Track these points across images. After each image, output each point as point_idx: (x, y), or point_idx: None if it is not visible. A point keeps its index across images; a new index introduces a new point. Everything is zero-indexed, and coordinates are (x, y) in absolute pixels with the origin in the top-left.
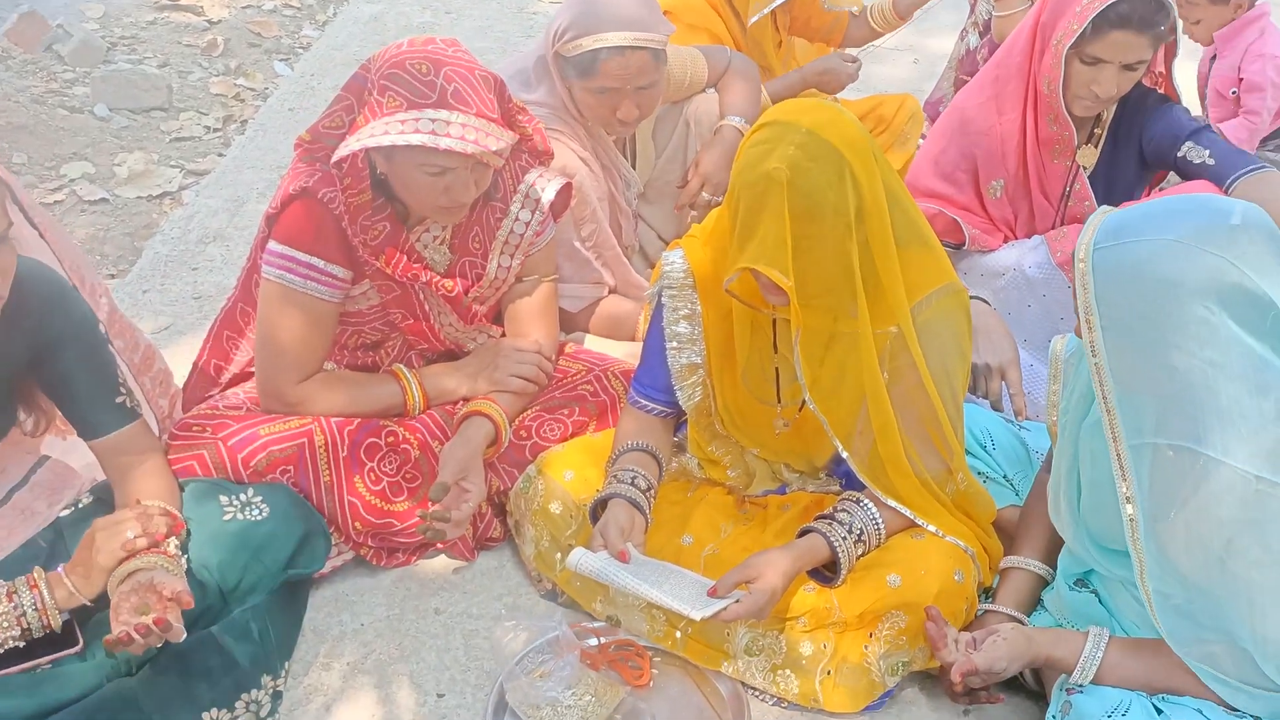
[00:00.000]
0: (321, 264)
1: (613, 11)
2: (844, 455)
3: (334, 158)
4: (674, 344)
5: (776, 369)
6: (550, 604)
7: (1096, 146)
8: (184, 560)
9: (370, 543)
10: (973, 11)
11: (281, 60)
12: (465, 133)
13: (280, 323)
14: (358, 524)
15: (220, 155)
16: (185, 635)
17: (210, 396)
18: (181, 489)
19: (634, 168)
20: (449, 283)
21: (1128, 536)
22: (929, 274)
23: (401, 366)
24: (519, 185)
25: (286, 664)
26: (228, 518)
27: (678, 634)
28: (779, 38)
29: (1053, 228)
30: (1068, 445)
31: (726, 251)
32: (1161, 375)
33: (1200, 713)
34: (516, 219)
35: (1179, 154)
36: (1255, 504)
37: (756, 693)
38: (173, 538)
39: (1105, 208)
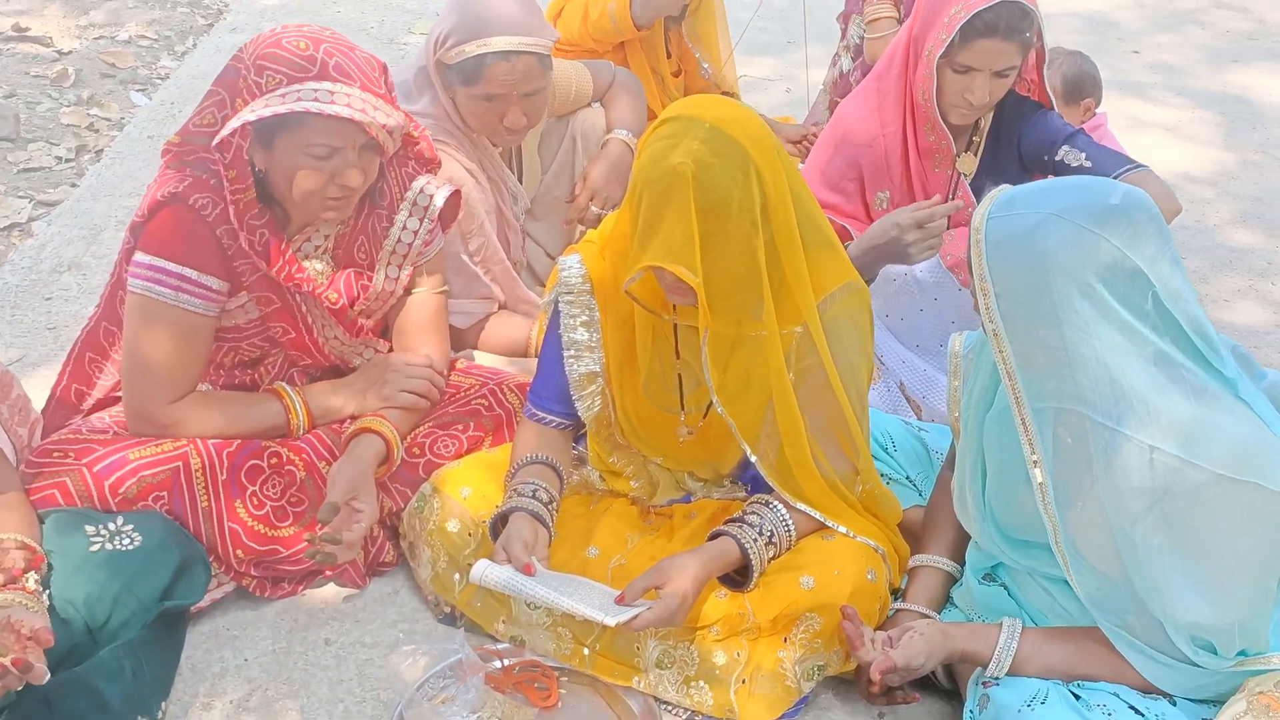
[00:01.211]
0: (194, 274)
1: (496, 16)
2: (752, 459)
3: (215, 140)
4: (572, 351)
5: (679, 375)
6: (450, 629)
7: (976, 154)
8: (45, 596)
9: (253, 572)
10: (844, 35)
11: (138, 90)
12: (352, 101)
13: (149, 339)
14: (239, 552)
15: (73, 185)
16: (49, 677)
17: (72, 423)
18: (42, 520)
19: (520, 183)
20: (333, 294)
21: (1038, 501)
22: (833, 272)
23: (284, 385)
24: (406, 192)
25: (164, 704)
26: (95, 548)
27: (585, 651)
28: (674, 67)
29: None
30: (971, 440)
31: (625, 255)
32: (1053, 344)
33: (1117, 696)
34: (404, 227)
35: (1056, 157)
36: (1153, 476)
37: (670, 707)
38: (31, 572)
39: (1004, 186)
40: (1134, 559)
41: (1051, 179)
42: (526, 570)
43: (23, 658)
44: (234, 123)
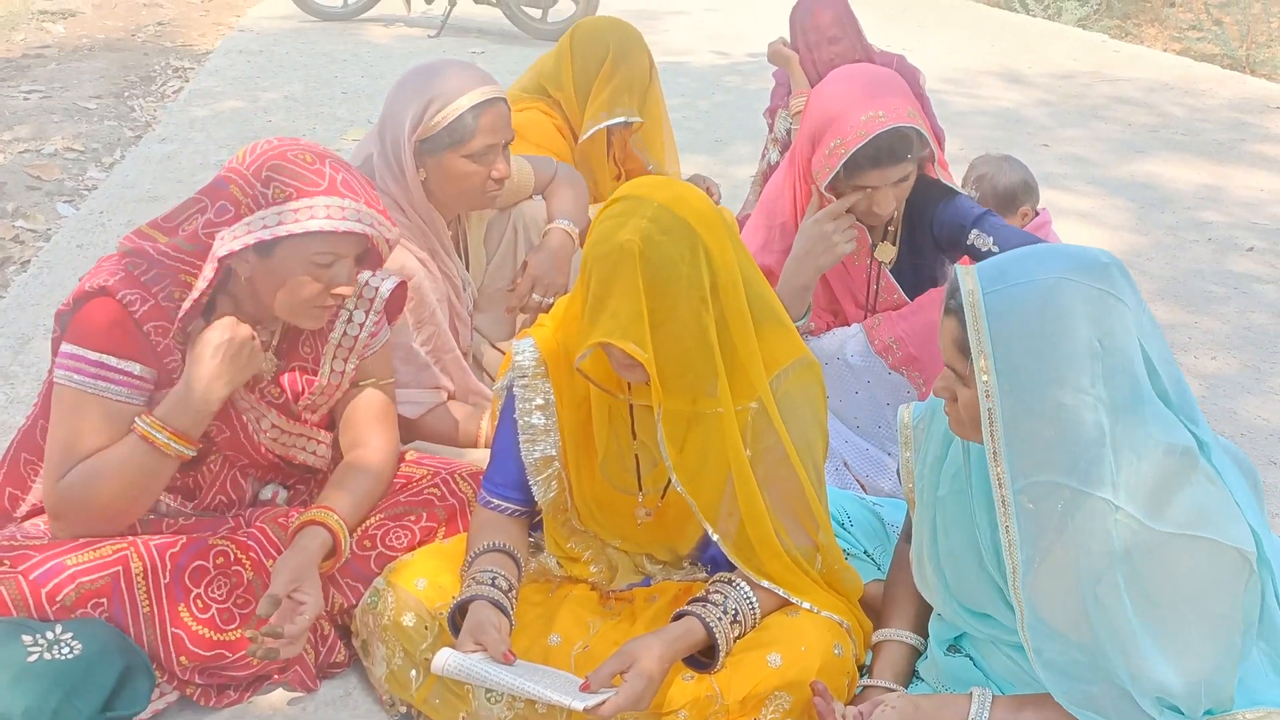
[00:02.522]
0: (114, 361)
1: (463, 78)
2: (714, 538)
3: (219, 251)
4: (527, 436)
5: (636, 456)
6: None
7: (894, 242)
8: None
9: (198, 679)
10: (771, 129)
11: (65, 201)
12: (361, 216)
13: (68, 429)
14: (184, 658)
15: None
16: None
17: (5, 530)
18: None
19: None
20: (275, 390)
21: (1010, 584)
22: (784, 348)
23: (148, 425)
24: (354, 284)
25: None
26: (33, 658)
27: None
28: (615, 170)
29: None
30: (927, 510)
31: (578, 338)
32: (1049, 413)
33: None
34: (350, 320)
35: (967, 241)
36: (1122, 539)
37: None
38: None
39: (961, 266)
40: (1102, 621)
41: (1012, 251)
42: (506, 659)
43: None
44: (247, 238)
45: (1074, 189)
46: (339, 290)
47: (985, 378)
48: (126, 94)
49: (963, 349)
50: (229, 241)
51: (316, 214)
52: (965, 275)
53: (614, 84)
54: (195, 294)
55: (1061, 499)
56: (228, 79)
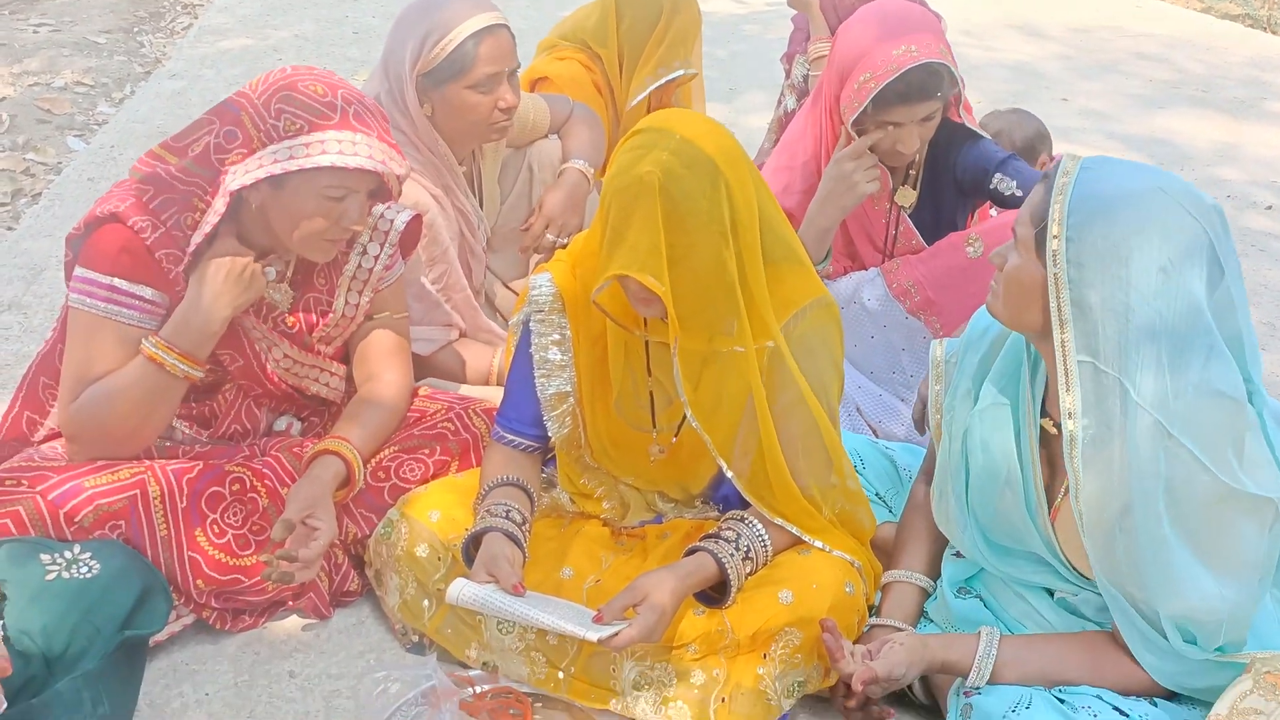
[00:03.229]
0: (125, 285)
1: (458, 6)
2: (728, 475)
3: (231, 185)
4: (543, 371)
5: (651, 393)
6: (419, 657)
7: (914, 186)
8: (0, 627)
9: (214, 604)
10: (788, 75)
11: (75, 136)
12: (374, 152)
13: (82, 352)
14: (200, 582)
15: (10, 229)
16: (4, 707)
17: (24, 453)
18: None
19: (482, 210)
20: (290, 319)
21: (1065, 454)
22: (802, 287)
23: (154, 347)
24: (367, 218)
25: None
26: (51, 577)
27: (560, 675)
28: None
29: None
30: (955, 443)
31: (596, 273)
32: (1115, 306)
33: (1100, 699)
34: (364, 253)
35: (991, 185)
36: (1166, 463)
37: None
38: None
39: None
40: (1141, 537)
41: (1132, 162)
42: (516, 590)
43: None
44: (258, 173)
45: (1092, 143)
46: (351, 225)
47: (1055, 243)
48: (136, 29)
49: (1037, 214)
50: (240, 176)
51: (328, 149)
52: (1076, 156)
53: (668, 40)
54: (206, 227)
55: (1119, 397)
56: (237, 16)
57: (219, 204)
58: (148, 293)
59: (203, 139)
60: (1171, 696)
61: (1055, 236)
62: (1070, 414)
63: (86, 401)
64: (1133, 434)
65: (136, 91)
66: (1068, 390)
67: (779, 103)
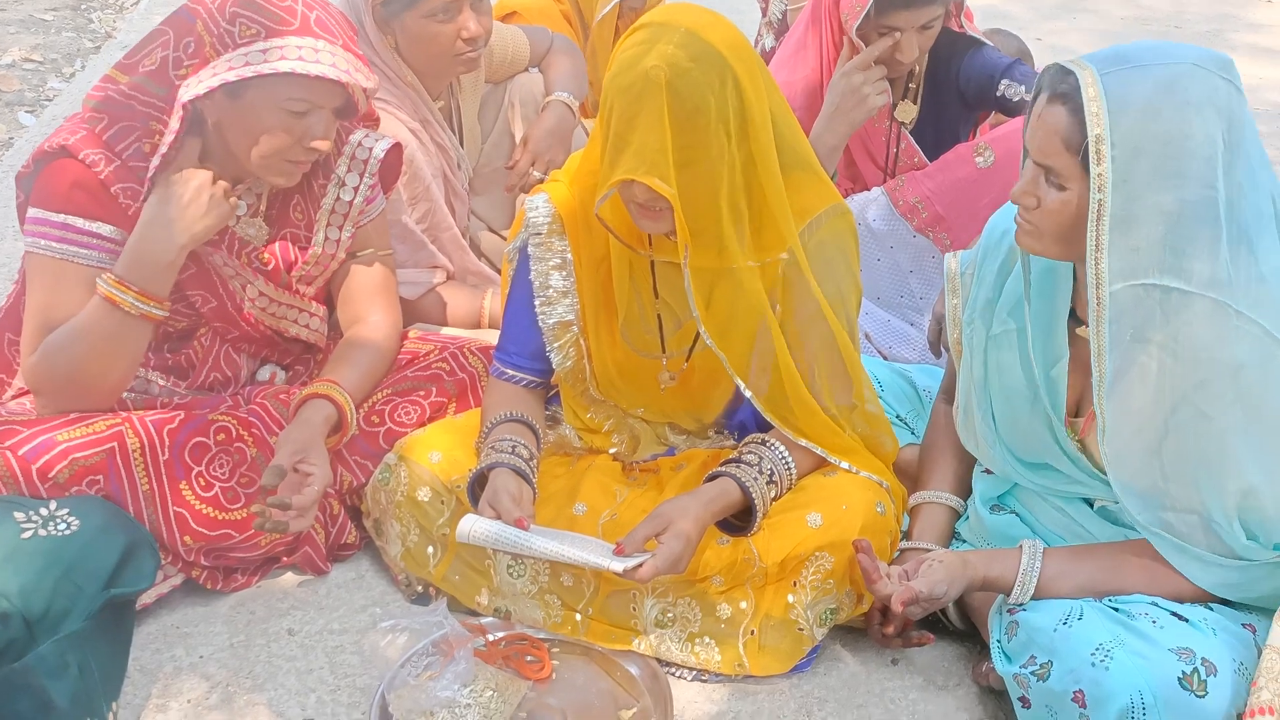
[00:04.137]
0: (81, 223)
1: None
2: (746, 394)
3: (184, 97)
4: (544, 299)
5: (659, 317)
6: (426, 607)
7: (915, 101)
8: None
9: (203, 562)
10: (765, 14)
11: (27, 111)
12: (337, 61)
13: (43, 297)
14: (188, 538)
15: None
16: None
17: None
18: None
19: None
20: (266, 255)
21: (1095, 396)
22: (817, 195)
23: (108, 285)
24: (343, 148)
25: (114, 704)
26: (27, 535)
27: (578, 617)
28: None
29: None
30: (977, 356)
31: (596, 190)
32: (1168, 207)
33: (1156, 605)
34: (343, 184)
35: (998, 93)
36: (1241, 346)
37: (673, 669)
38: None
39: (1073, 60)
40: (1194, 435)
41: (1129, 43)
42: (519, 524)
43: None
44: (211, 81)
45: None
46: (315, 144)
47: (1101, 168)
48: (84, 6)
49: (1069, 142)
50: (193, 88)
51: (287, 55)
52: (1075, 61)
53: None
54: (163, 148)
55: (1164, 303)
56: None
57: (174, 122)
58: (106, 230)
59: (155, 53)
60: (1228, 602)
61: (1099, 157)
62: (1100, 351)
63: (46, 350)
64: (1185, 328)
65: (87, 66)
66: (1098, 329)
67: (756, 42)
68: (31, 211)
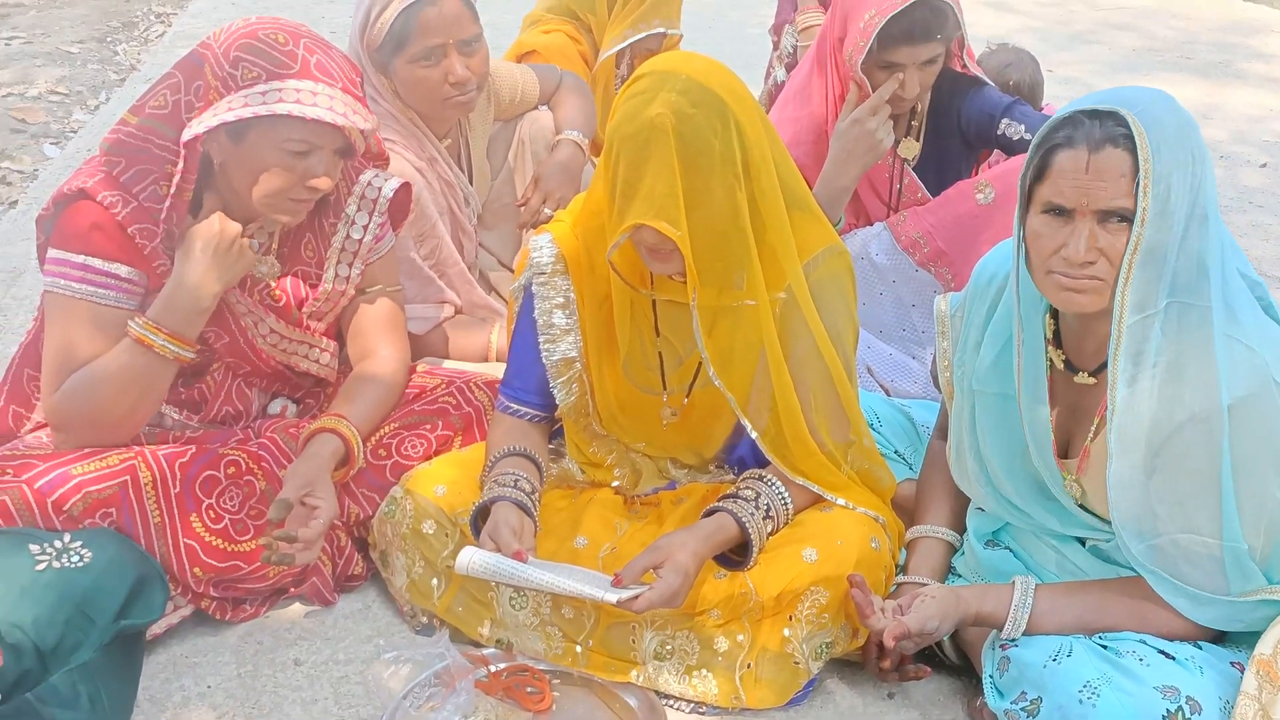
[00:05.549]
0: (99, 264)
1: None
2: (751, 434)
3: (185, 136)
4: (548, 336)
5: (660, 354)
6: (430, 638)
7: (918, 138)
8: None
9: (213, 593)
10: (776, 47)
11: (51, 143)
12: (334, 104)
13: (62, 337)
14: (198, 570)
15: None
16: None
17: (7, 445)
18: None
19: (471, 187)
20: (277, 291)
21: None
22: (815, 235)
23: (141, 328)
24: (353, 187)
25: None
26: (41, 567)
27: (578, 649)
28: None
29: None
30: (966, 398)
31: (600, 231)
32: (1189, 237)
33: (1144, 643)
34: (353, 223)
35: (998, 131)
36: (1249, 376)
37: (671, 701)
38: None
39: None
40: (1201, 460)
41: (1100, 91)
42: (518, 557)
43: None
44: (211, 120)
45: None
46: (314, 183)
47: (1145, 201)
48: (109, 38)
49: (1131, 180)
50: (194, 127)
51: (285, 97)
52: (1105, 105)
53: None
54: (173, 189)
55: (1165, 327)
56: (211, 22)
57: (181, 162)
58: (123, 270)
59: (165, 96)
60: (1217, 640)
61: (1145, 193)
62: (1114, 383)
63: (72, 389)
64: (1210, 356)
65: (112, 98)
66: (1116, 358)
67: (768, 75)
68: (52, 252)
